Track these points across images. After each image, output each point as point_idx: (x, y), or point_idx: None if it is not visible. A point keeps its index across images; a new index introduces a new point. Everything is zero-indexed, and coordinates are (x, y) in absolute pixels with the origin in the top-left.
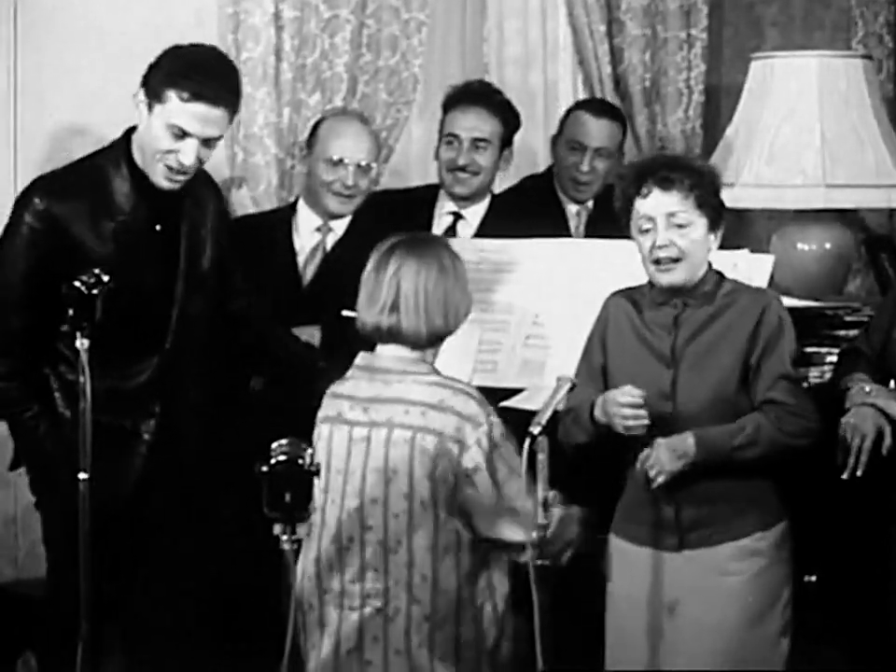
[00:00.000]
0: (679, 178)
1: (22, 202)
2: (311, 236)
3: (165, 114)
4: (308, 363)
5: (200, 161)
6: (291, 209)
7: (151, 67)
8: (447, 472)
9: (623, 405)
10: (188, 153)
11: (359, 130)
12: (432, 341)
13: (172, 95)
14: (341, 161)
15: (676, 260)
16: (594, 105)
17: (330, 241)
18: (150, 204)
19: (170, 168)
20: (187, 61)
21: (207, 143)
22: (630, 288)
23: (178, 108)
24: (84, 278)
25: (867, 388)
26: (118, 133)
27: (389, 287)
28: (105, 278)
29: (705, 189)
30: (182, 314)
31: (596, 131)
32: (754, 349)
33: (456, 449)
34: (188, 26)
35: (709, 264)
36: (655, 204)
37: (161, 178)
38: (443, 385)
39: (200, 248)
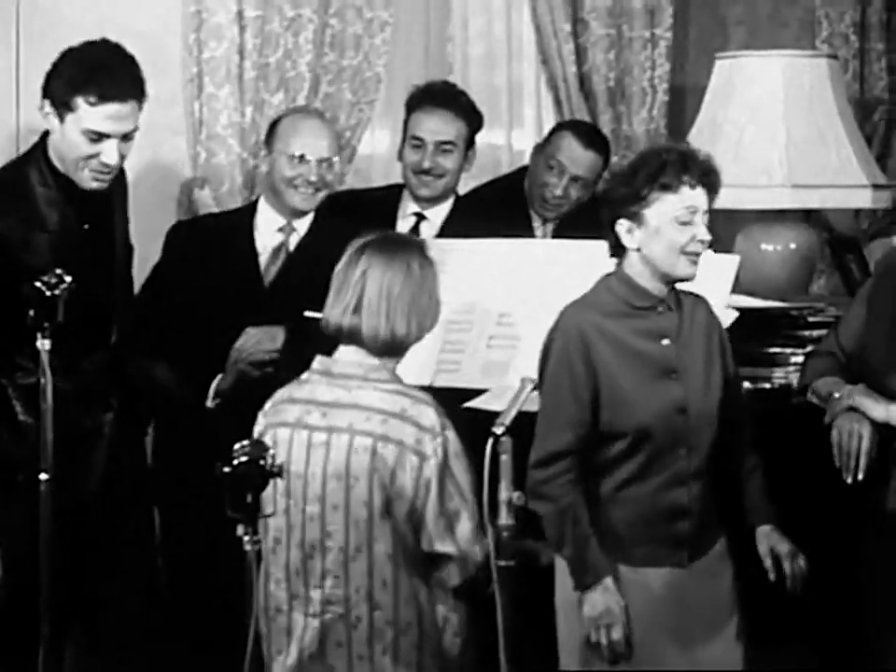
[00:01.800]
0: (719, 178)
1: None
2: (273, 236)
3: (78, 121)
4: (167, 399)
5: (122, 157)
6: (251, 209)
7: (49, 77)
8: (403, 482)
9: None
10: (110, 154)
11: (319, 125)
12: (392, 348)
13: (80, 102)
14: (302, 156)
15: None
16: (584, 134)
17: (293, 241)
18: (76, 206)
19: (96, 170)
20: (85, 64)
21: (125, 138)
22: (583, 300)
23: (89, 113)
24: (45, 279)
25: (848, 393)
26: None
27: (355, 287)
28: (68, 279)
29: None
30: (123, 307)
31: (581, 160)
32: (725, 357)
33: (417, 460)
34: (150, 25)
35: None
36: (701, 198)
37: (89, 182)
38: (404, 394)
39: (126, 245)
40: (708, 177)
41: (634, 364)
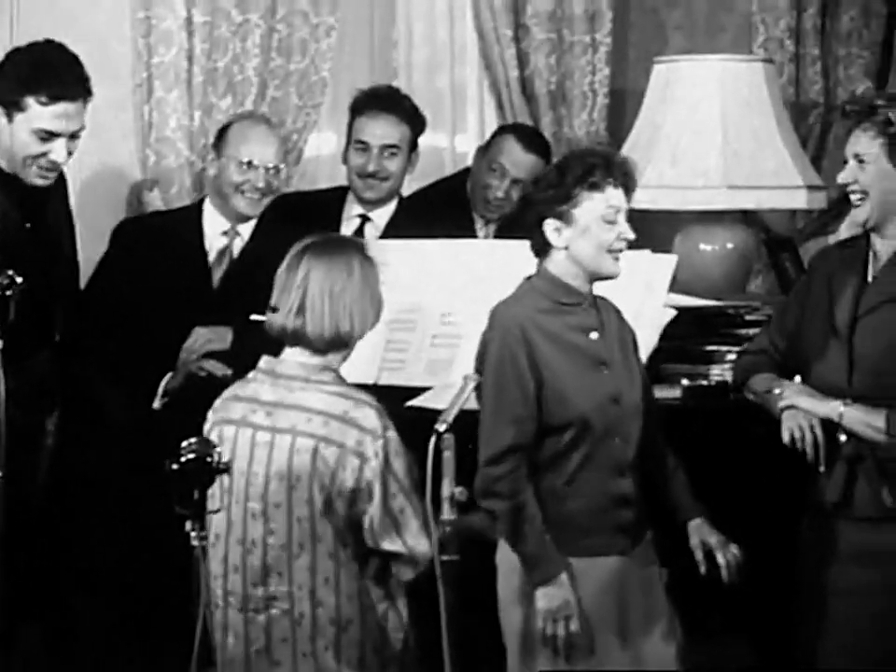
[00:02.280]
0: (635, 180)
1: None
2: (217, 239)
3: (28, 121)
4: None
5: (69, 154)
6: (197, 210)
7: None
8: (345, 484)
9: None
10: (59, 152)
11: (267, 133)
12: (336, 345)
13: (31, 101)
14: (251, 163)
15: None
16: (526, 137)
17: (237, 245)
18: (18, 205)
19: (43, 168)
20: (34, 64)
21: (73, 136)
22: (513, 298)
23: (40, 113)
24: None
25: (787, 391)
26: None
27: (298, 289)
28: (19, 280)
29: None
30: (65, 305)
31: (522, 163)
32: (637, 353)
33: (357, 462)
34: (100, 30)
35: None
36: (622, 197)
37: (35, 179)
38: (346, 396)
39: (66, 239)
40: (627, 178)
41: (570, 357)
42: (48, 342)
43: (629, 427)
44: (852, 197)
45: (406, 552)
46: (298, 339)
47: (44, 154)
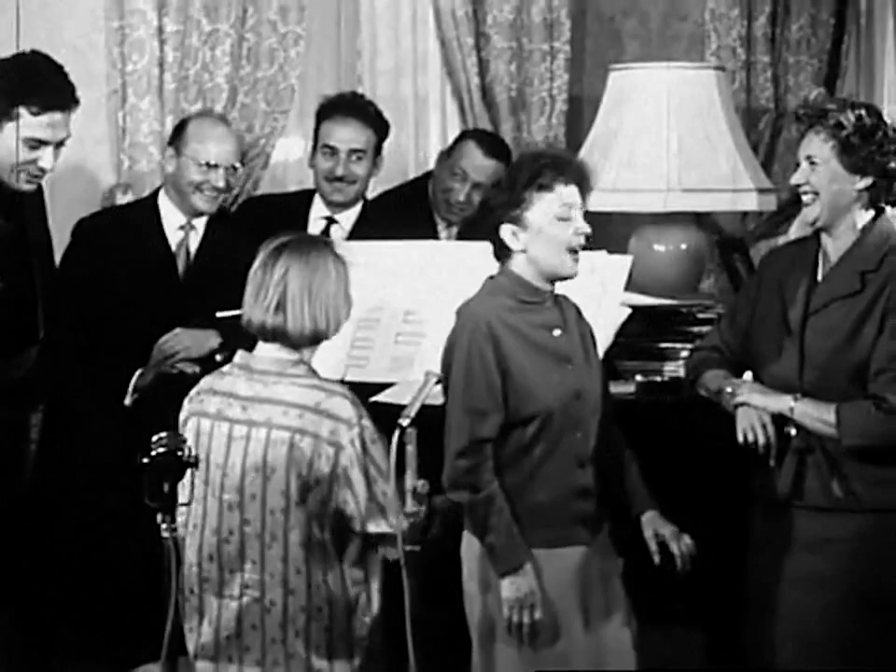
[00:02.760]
0: (590, 178)
1: None
2: (174, 234)
3: (18, 129)
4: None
5: (55, 161)
6: (153, 205)
7: None
8: (321, 473)
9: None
10: (47, 159)
11: (226, 133)
12: (313, 341)
13: (22, 111)
14: (209, 163)
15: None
16: (487, 143)
17: (193, 239)
18: (1, 211)
19: (31, 174)
20: (23, 75)
21: (59, 144)
22: (478, 298)
23: (30, 122)
24: None
25: (740, 389)
26: None
27: (276, 287)
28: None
29: None
30: (46, 305)
31: (483, 167)
32: (595, 351)
33: (332, 451)
34: (75, 40)
35: None
36: (576, 195)
37: (23, 185)
38: (320, 388)
39: (44, 242)
40: (580, 176)
41: (535, 353)
42: (32, 340)
43: (589, 421)
44: (804, 198)
45: (393, 531)
46: (277, 335)
47: (33, 161)
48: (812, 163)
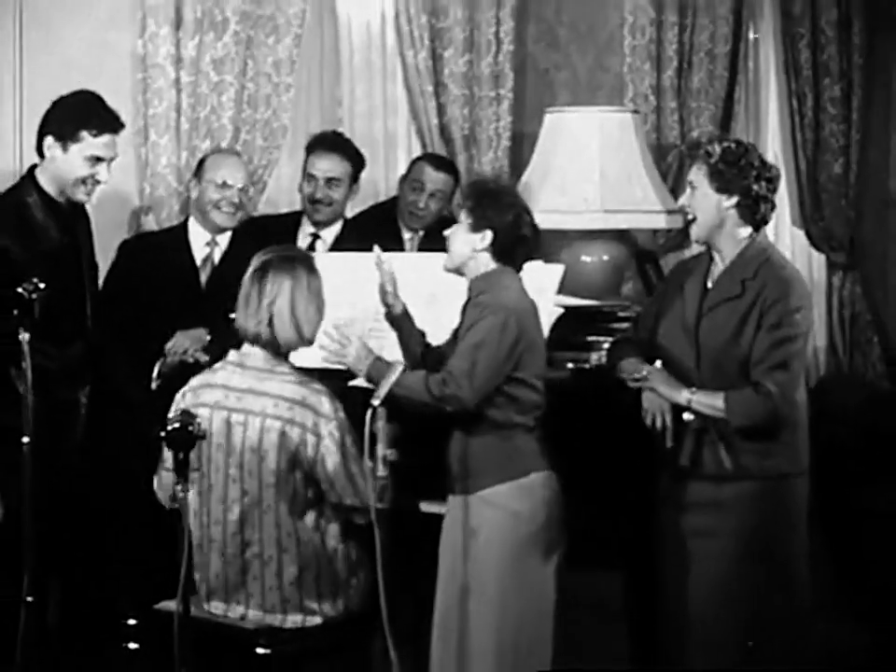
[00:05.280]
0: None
1: None
2: (201, 250)
3: (81, 150)
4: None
5: (108, 175)
6: (183, 228)
7: (48, 119)
8: (304, 456)
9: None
10: (103, 173)
11: (237, 161)
12: (297, 347)
13: (84, 134)
14: (225, 183)
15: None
16: (435, 159)
17: (217, 253)
18: (58, 222)
19: (89, 187)
20: (84, 105)
21: (111, 161)
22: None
23: (92, 143)
24: (25, 285)
25: (652, 375)
26: None
27: (269, 306)
28: (42, 285)
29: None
30: (93, 304)
31: (435, 179)
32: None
33: (314, 439)
34: (106, 89)
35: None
36: None
37: (82, 196)
38: (304, 385)
39: (89, 251)
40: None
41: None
42: (81, 332)
43: None
44: (688, 218)
45: (360, 503)
46: (267, 344)
47: (91, 175)
48: (692, 188)
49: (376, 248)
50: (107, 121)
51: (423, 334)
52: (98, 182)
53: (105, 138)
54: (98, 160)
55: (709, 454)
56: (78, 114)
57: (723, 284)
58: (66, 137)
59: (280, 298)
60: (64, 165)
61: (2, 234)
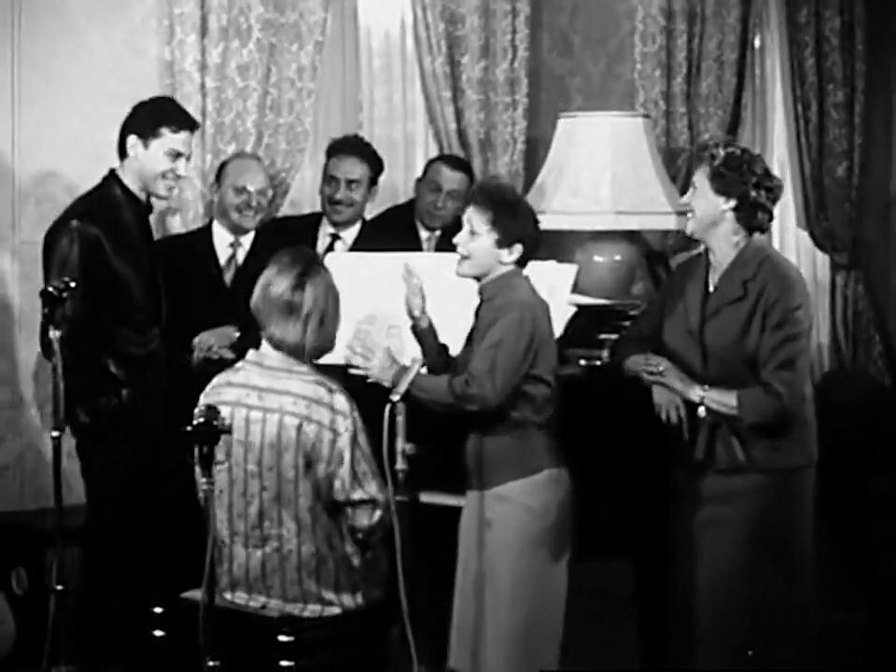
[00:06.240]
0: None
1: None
2: (225, 250)
3: (162, 145)
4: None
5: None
6: (208, 230)
7: (131, 120)
8: (321, 452)
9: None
10: (182, 167)
11: (256, 165)
12: (323, 355)
13: (164, 130)
14: (244, 187)
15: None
16: (450, 160)
17: (240, 253)
18: (138, 218)
19: (170, 181)
20: (163, 105)
21: (188, 157)
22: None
23: (172, 138)
24: (55, 284)
25: (667, 371)
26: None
27: (304, 320)
28: (73, 284)
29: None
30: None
31: (451, 178)
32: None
33: (331, 436)
34: (136, 94)
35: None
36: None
37: (163, 191)
38: (322, 384)
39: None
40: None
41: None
42: (158, 319)
43: None
44: (687, 215)
45: (368, 499)
46: (296, 351)
47: (171, 170)
48: (694, 187)
49: (406, 261)
50: (184, 119)
51: (446, 348)
52: (179, 176)
53: (183, 135)
54: (177, 154)
55: (723, 447)
56: (158, 113)
57: (725, 286)
58: (147, 134)
59: (318, 309)
60: (146, 160)
61: (95, 224)
